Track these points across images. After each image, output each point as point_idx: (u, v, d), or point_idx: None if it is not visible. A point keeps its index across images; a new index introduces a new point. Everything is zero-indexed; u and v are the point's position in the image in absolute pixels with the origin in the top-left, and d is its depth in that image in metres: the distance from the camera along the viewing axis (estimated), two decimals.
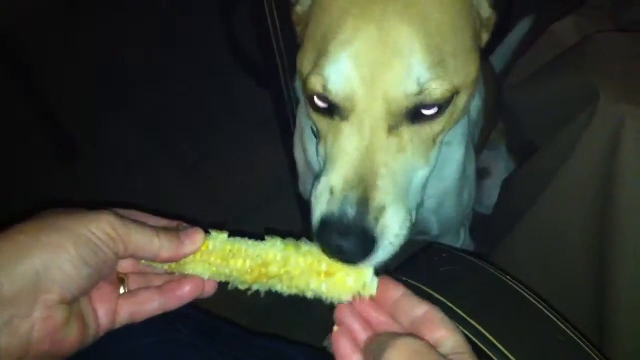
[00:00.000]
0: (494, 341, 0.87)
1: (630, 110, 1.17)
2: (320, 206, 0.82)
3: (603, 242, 1.26)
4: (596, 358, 0.92)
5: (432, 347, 0.68)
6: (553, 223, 1.40)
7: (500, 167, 1.93)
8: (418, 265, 1.14)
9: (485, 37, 0.97)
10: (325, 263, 0.78)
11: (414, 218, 0.86)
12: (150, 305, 0.81)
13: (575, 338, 0.91)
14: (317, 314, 2.02)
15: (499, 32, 2.26)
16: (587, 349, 0.90)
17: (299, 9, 0.98)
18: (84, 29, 2.94)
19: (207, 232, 0.82)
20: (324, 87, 0.82)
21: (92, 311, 0.77)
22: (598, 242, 1.28)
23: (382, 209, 0.80)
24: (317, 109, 0.87)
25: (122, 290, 0.82)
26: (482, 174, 1.95)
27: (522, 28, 2.08)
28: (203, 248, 0.81)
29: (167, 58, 2.85)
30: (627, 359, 1.27)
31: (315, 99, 0.86)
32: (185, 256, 0.80)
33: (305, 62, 0.89)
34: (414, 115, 0.83)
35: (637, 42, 1.37)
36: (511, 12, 2.44)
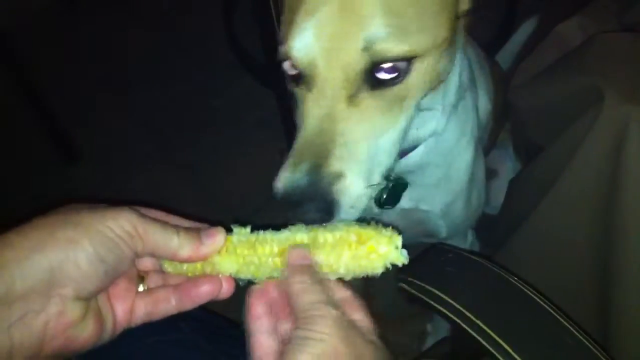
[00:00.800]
0: (500, 341, 0.87)
1: (635, 111, 1.16)
2: (279, 181, 0.83)
3: (607, 244, 1.26)
4: (602, 358, 0.91)
5: (355, 323, 0.72)
6: (557, 224, 1.40)
7: (508, 167, 1.93)
8: (423, 266, 1.14)
9: (464, 4, 0.96)
10: (354, 234, 0.76)
11: (381, 180, 0.88)
12: (166, 304, 0.80)
13: (584, 340, 0.90)
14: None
15: (503, 33, 2.27)
16: (594, 350, 0.89)
17: None
18: (84, 29, 2.94)
19: (229, 230, 0.82)
20: (289, 54, 0.85)
21: (109, 308, 0.76)
22: (602, 244, 1.27)
23: (337, 176, 0.81)
24: (291, 77, 0.90)
25: (141, 288, 0.81)
26: (489, 174, 1.94)
27: (526, 29, 2.09)
28: (227, 244, 0.80)
29: (168, 58, 2.85)
30: (631, 357, 1.27)
31: (287, 65, 0.89)
32: (206, 256, 0.79)
33: (282, 30, 0.91)
34: (373, 80, 0.84)
35: None
36: (515, 12, 2.44)
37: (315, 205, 0.80)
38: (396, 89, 0.86)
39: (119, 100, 2.73)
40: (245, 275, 0.80)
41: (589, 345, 0.91)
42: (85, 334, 0.72)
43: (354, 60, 0.81)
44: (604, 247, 1.28)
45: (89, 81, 2.79)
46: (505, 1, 2.58)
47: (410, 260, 1.22)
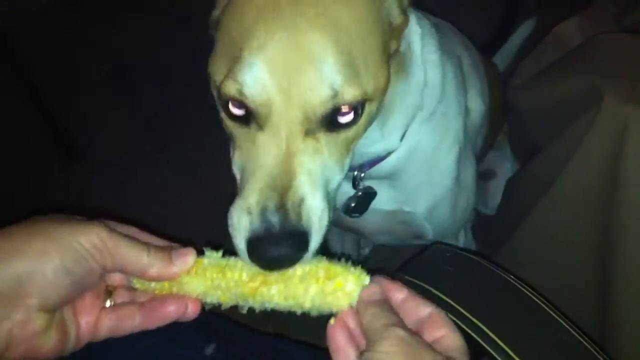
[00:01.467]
0: (498, 340, 0.88)
1: (634, 111, 1.17)
2: (243, 231, 0.80)
3: (606, 244, 1.26)
4: (599, 357, 0.92)
5: (424, 341, 0.70)
6: (556, 224, 1.40)
7: (506, 167, 1.93)
8: (422, 265, 1.14)
9: (394, 44, 0.96)
10: (322, 269, 0.77)
11: (331, 214, 0.86)
12: (130, 322, 0.80)
13: (580, 338, 0.91)
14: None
15: (502, 34, 2.27)
16: (591, 349, 0.90)
17: (215, 12, 0.97)
18: (84, 29, 2.94)
19: (201, 252, 0.82)
20: (240, 92, 0.81)
21: (74, 321, 0.77)
22: (601, 244, 1.28)
23: (300, 201, 0.80)
24: (232, 116, 0.86)
25: (108, 304, 0.81)
26: (487, 175, 1.95)
27: (525, 29, 2.09)
28: (197, 265, 0.79)
29: (168, 57, 2.85)
30: (629, 355, 1.27)
31: (231, 106, 0.85)
32: (175, 275, 0.78)
33: (216, 66, 0.88)
34: (330, 122, 0.84)
35: None
36: (515, 13, 2.44)
37: (291, 242, 0.78)
38: (348, 132, 0.86)
39: (119, 99, 2.73)
40: (211, 298, 0.80)
41: (586, 344, 0.91)
42: (49, 344, 0.72)
43: (319, 105, 0.80)
44: (603, 246, 1.28)
45: (89, 81, 2.79)
46: (504, 1, 2.58)
47: (408, 259, 1.23)
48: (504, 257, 1.56)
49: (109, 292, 0.82)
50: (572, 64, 1.45)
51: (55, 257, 0.69)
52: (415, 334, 0.71)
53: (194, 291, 0.79)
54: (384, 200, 1.21)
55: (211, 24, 0.98)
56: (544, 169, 1.47)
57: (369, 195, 1.16)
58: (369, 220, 1.25)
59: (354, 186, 1.14)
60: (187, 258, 0.79)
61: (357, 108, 0.85)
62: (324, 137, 0.84)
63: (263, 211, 0.79)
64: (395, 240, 1.46)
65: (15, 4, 2.78)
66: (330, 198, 0.86)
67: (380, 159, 1.11)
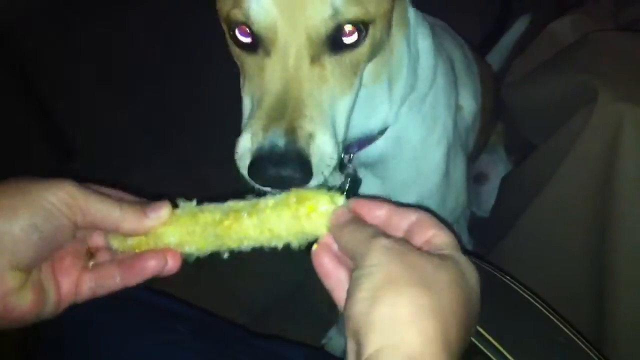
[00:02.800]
0: (493, 341, 0.87)
1: (628, 109, 1.17)
2: (248, 153, 0.81)
3: (602, 242, 1.26)
4: (595, 358, 0.92)
5: (411, 244, 0.68)
6: (551, 222, 1.40)
7: (499, 170, 1.91)
8: None
9: None
10: (294, 197, 0.74)
11: (341, 149, 0.87)
12: (110, 280, 0.78)
13: (575, 339, 0.91)
14: (315, 313, 2.03)
15: (497, 31, 2.27)
16: (587, 349, 0.90)
17: None
18: (84, 29, 2.93)
19: (176, 205, 0.80)
20: (245, 16, 0.83)
21: (53, 282, 0.76)
22: (597, 242, 1.28)
23: (311, 136, 0.81)
24: (240, 45, 0.88)
25: (90, 264, 0.80)
26: (480, 178, 1.94)
27: (519, 26, 2.08)
28: (171, 217, 0.78)
29: (167, 55, 2.85)
30: (626, 356, 1.27)
31: (238, 34, 0.87)
32: (150, 228, 0.77)
33: (223, 0, 0.89)
34: (335, 44, 0.85)
35: (636, 41, 1.37)
36: (509, 10, 2.44)
37: (294, 165, 0.79)
38: (353, 54, 0.88)
39: (118, 97, 2.72)
40: (190, 246, 0.78)
41: (582, 345, 0.91)
42: (24, 304, 0.72)
43: (321, 24, 0.82)
44: (599, 245, 1.28)
45: (88, 79, 2.79)
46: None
47: None
48: (499, 256, 1.56)
49: (91, 254, 0.81)
50: (566, 62, 1.45)
51: (23, 214, 0.68)
52: (400, 240, 0.68)
53: (170, 241, 0.78)
54: (370, 190, 1.20)
55: None
56: (538, 167, 1.47)
57: (356, 182, 1.15)
58: None
59: (341, 169, 1.14)
60: (161, 210, 0.77)
61: (361, 28, 0.86)
62: (329, 62, 0.85)
63: (269, 133, 0.80)
64: None
65: (15, 3, 2.78)
66: (339, 128, 0.87)
67: (369, 139, 1.11)
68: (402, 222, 0.73)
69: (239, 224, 0.75)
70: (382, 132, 1.11)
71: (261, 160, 0.80)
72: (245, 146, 0.82)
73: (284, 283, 1.96)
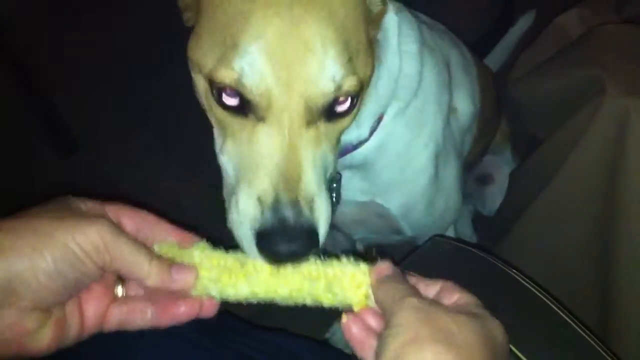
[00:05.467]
0: None
1: (636, 103, 1.17)
2: (251, 221, 0.78)
3: (608, 235, 1.26)
4: (600, 351, 0.91)
5: (439, 304, 0.69)
6: (557, 216, 1.40)
7: (504, 172, 1.89)
8: (419, 257, 1.14)
9: (373, 32, 0.95)
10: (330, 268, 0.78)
11: (334, 204, 0.89)
12: (141, 317, 0.77)
13: (582, 332, 0.90)
14: (318, 307, 2.02)
15: (502, 26, 2.26)
16: (593, 342, 0.90)
17: None
18: (84, 24, 2.93)
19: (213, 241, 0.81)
20: (237, 81, 0.78)
21: (77, 313, 0.74)
22: (603, 235, 1.28)
23: (311, 200, 0.80)
24: (224, 106, 0.83)
25: (119, 293, 0.78)
26: (485, 179, 1.93)
27: (524, 22, 2.08)
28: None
29: (168, 51, 2.84)
30: (631, 349, 1.27)
31: (224, 96, 0.82)
32: (173, 290, 0.76)
33: (203, 53, 0.84)
34: (329, 112, 0.83)
35: None
36: (514, 6, 2.43)
37: (304, 239, 0.77)
38: (343, 121, 0.87)
39: (118, 92, 2.72)
40: (240, 290, 0.79)
41: (588, 337, 0.91)
42: (42, 342, 0.70)
43: (320, 97, 0.80)
44: (605, 238, 1.28)
45: (88, 73, 2.78)
46: None
47: (407, 254, 1.22)
48: (505, 250, 1.56)
49: (122, 280, 0.78)
50: (574, 56, 1.44)
51: (47, 257, 0.66)
52: (430, 300, 0.70)
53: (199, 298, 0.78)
54: (356, 191, 1.20)
55: (182, 6, 0.96)
56: (545, 162, 1.47)
57: (337, 180, 1.15)
58: (342, 211, 1.24)
59: None
60: (188, 277, 0.76)
61: (354, 97, 0.85)
62: (323, 127, 0.84)
63: (276, 204, 0.77)
64: (375, 234, 1.45)
65: (13, 1, 2.78)
66: (328, 189, 0.86)
67: (352, 147, 1.10)
68: (428, 290, 0.75)
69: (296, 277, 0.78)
70: (363, 142, 1.10)
71: (271, 235, 0.77)
72: (248, 213, 0.79)
73: None
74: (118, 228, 0.72)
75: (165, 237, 0.80)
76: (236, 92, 0.80)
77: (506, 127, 1.92)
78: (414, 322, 0.64)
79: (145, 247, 0.75)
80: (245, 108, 0.81)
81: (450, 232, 1.50)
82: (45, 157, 2.51)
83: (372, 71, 0.92)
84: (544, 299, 0.95)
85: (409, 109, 1.14)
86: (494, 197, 1.90)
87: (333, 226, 1.47)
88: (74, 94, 2.66)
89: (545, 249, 1.46)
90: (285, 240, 0.76)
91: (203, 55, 0.83)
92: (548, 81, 1.51)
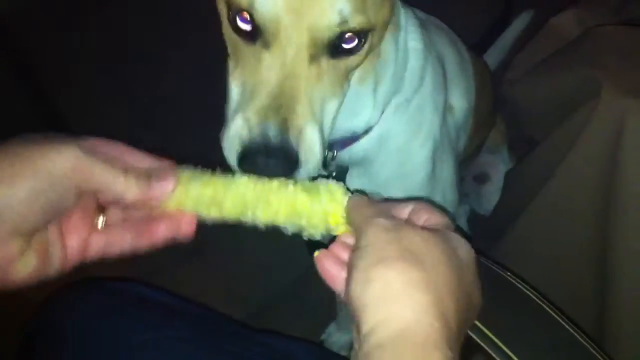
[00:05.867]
0: (493, 337, 0.87)
1: (632, 104, 1.17)
2: (238, 139, 0.82)
3: (605, 237, 1.26)
4: (597, 355, 0.91)
5: (406, 223, 0.69)
6: (554, 217, 1.40)
7: (501, 170, 1.90)
8: None
9: None
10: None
11: (326, 147, 0.89)
12: (121, 241, 0.77)
13: (577, 335, 0.90)
14: (314, 309, 2.02)
15: (499, 26, 2.26)
16: (588, 346, 0.89)
17: None
18: (85, 23, 2.93)
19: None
20: (251, 5, 0.82)
21: (59, 242, 0.74)
22: (600, 236, 1.28)
23: (300, 132, 0.82)
24: (238, 31, 0.87)
25: (100, 222, 0.78)
26: (482, 178, 1.93)
27: (521, 22, 2.08)
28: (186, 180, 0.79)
29: (166, 52, 2.84)
30: (629, 350, 1.27)
31: (238, 20, 0.86)
32: (154, 200, 0.76)
33: None
34: (334, 49, 0.85)
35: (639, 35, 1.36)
36: (512, 5, 2.43)
37: (282, 160, 0.80)
38: (349, 60, 0.88)
39: (118, 93, 2.72)
40: (214, 211, 0.78)
41: (583, 341, 0.91)
42: (26, 269, 0.71)
43: (326, 29, 0.82)
44: (602, 240, 1.28)
45: (88, 74, 2.78)
46: None
47: None
48: (501, 251, 1.56)
49: (101, 209, 0.79)
50: (570, 57, 1.45)
51: (26, 179, 0.67)
52: (398, 219, 0.70)
53: (188, 205, 0.78)
54: (355, 187, 1.21)
55: None
56: (542, 162, 1.47)
57: (342, 171, 1.16)
58: None
59: (325, 167, 1.14)
60: (166, 182, 0.77)
61: (361, 36, 0.86)
62: (326, 64, 0.86)
63: (263, 124, 0.80)
64: None
65: (13, 1, 2.77)
66: (326, 128, 0.88)
67: (353, 138, 1.11)
68: (402, 212, 0.75)
69: (277, 195, 0.78)
70: (366, 132, 1.11)
71: (252, 149, 0.80)
72: (236, 131, 0.83)
73: (282, 278, 1.96)
74: (90, 150, 0.73)
75: (140, 164, 0.79)
76: (250, 18, 0.83)
77: (502, 126, 1.92)
78: (382, 242, 0.65)
79: (119, 164, 0.75)
80: (256, 34, 0.84)
81: None
82: None
83: (388, 16, 0.94)
84: (539, 302, 0.95)
85: (410, 105, 1.15)
86: (491, 195, 1.91)
87: None
88: (74, 95, 2.66)
89: (542, 249, 1.46)
90: (264, 155, 0.79)
91: None
92: (544, 82, 1.51)
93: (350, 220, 0.74)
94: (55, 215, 0.72)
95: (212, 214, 0.78)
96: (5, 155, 0.68)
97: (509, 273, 0.98)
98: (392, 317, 0.59)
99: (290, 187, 0.79)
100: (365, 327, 0.59)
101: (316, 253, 0.75)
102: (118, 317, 1.03)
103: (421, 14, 1.29)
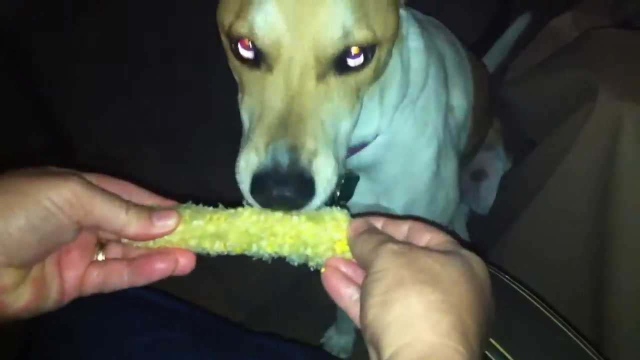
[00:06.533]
0: (492, 341, 0.87)
1: (629, 107, 1.17)
2: (249, 169, 0.79)
3: (602, 239, 1.26)
4: (592, 355, 0.91)
5: (417, 246, 0.69)
6: (552, 220, 1.40)
7: (497, 168, 1.91)
8: None
9: None
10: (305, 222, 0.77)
11: (342, 170, 0.86)
12: (118, 277, 0.76)
13: (575, 338, 0.90)
14: (313, 312, 2.02)
15: (497, 28, 2.26)
16: (586, 349, 0.90)
17: None
18: (84, 25, 2.93)
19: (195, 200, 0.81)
20: (250, 31, 0.81)
21: (57, 276, 0.74)
22: (597, 238, 1.28)
23: (314, 154, 0.79)
24: (241, 59, 0.86)
25: (100, 257, 0.78)
26: (479, 175, 1.94)
27: (519, 24, 2.08)
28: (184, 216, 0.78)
29: (168, 54, 2.84)
30: (625, 350, 1.27)
31: (240, 48, 0.85)
32: (155, 237, 0.76)
33: (225, 11, 0.87)
34: (340, 65, 0.84)
35: (637, 39, 1.37)
36: (510, 8, 2.43)
37: (296, 185, 0.77)
38: (358, 75, 0.87)
39: (118, 94, 2.72)
40: (217, 245, 0.77)
41: (581, 345, 0.91)
42: (20, 301, 0.70)
43: (330, 45, 0.81)
44: (599, 242, 1.28)
45: (88, 75, 2.78)
46: None
47: None
48: (498, 254, 1.56)
49: (101, 245, 0.79)
50: (567, 59, 1.45)
51: (20, 213, 0.66)
52: (406, 243, 0.70)
53: (191, 244, 0.77)
54: (362, 194, 1.20)
55: None
56: (539, 165, 1.47)
57: (353, 179, 1.15)
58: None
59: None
60: (169, 220, 0.76)
61: (367, 51, 0.85)
62: (334, 81, 0.84)
63: (273, 149, 0.78)
64: None
65: (13, 1, 2.77)
66: (340, 149, 0.86)
67: (362, 145, 1.11)
68: (398, 230, 0.75)
69: (281, 226, 0.76)
70: (374, 138, 1.11)
71: (264, 179, 0.78)
72: (246, 164, 0.80)
73: (282, 282, 1.96)
74: (91, 184, 0.72)
75: (144, 202, 0.79)
76: (251, 45, 0.83)
77: (498, 123, 1.92)
78: (396, 265, 0.64)
79: (120, 198, 0.74)
80: (259, 60, 0.83)
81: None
82: (43, 160, 2.50)
83: (395, 30, 0.92)
84: (538, 305, 0.95)
85: (415, 107, 1.15)
86: (488, 192, 1.91)
87: None
88: (74, 96, 2.66)
89: (540, 251, 1.46)
90: (277, 183, 0.76)
91: (226, 15, 0.86)
92: (542, 84, 1.51)
93: (355, 251, 0.73)
94: (52, 249, 0.72)
95: (216, 248, 0.77)
96: (2, 187, 0.68)
97: (507, 276, 0.98)
98: (416, 340, 0.58)
99: (295, 216, 0.77)
100: (387, 352, 0.58)
101: (323, 269, 0.75)
102: (117, 319, 1.03)
103: (420, 15, 1.29)
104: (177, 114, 2.66)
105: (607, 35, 1.40)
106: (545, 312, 0.93)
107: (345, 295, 0.72)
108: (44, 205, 0.67)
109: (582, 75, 1.30)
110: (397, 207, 1.25)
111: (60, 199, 0.68)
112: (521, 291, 0.96)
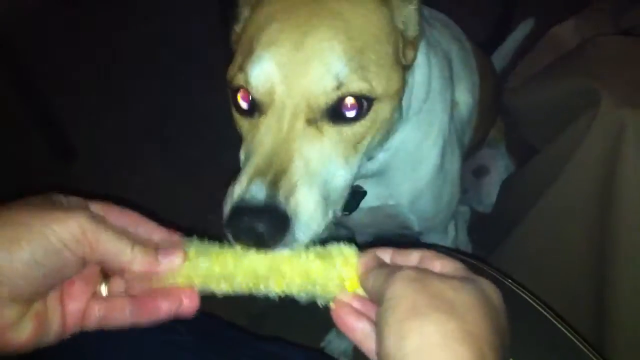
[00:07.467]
0: None
1: (631, 114, 1.17)
2: (231, 200, 0.80)
3: (603, 245, 1.26)
4: (592, 357, 0.91)
5: (430, 271, 0.69)
6: (553, 225, 1.41)
7: (499, 164, 1.92)
8: None
9: (410, 54, 0.98)
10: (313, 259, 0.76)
11: (336, 214, 0.86)
12: (120, 314, 0.75)
13: (575, 340, 0.90)
14: (314, 315, 2.02)
15: (500, 34, 2.27)
16: (587, 351, 0.90)
17: (237, 27, 1.01)
18: (84, 27, 2.94)
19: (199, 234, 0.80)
20: (247, 82, 0.84)
21: (59, 308, 0.73)
22: (599, 244, 1.28)
23: (292, 189, 0.79)
24: (240, 111, 0.89)
25: (103, 291, 0.77)
26: (480, 171, 1.94)
27: (522, 30, 2.08)
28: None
29: (167, 57, 2.84)
30: (627, 351, 1.27)
31: (240, 100, 0.88)
32: (160, 274, 0.75)
33: (233, 67, 0.91)
34: (335, 114, 0.85)
35: (638, 46, 1.37)
36: (512, 13, 2.44)
37: (270, 219, 0.76)
38: (353, 127, 0.87)
39: (118, 98, 2.73)
40: (224, 285, 0.76)
41: (582, 347, 0.91)
42: (22, 336, 0.69)
43: (322, 95, 0.82)
44: (600, 248, 1.28)
45: (88, 79, 2.78)
46: (502, 1, 2.58)
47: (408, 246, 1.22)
48: (500, 258, 1.56)
49: (105, 276, 0.77)
50: (569, 66, 1.45)
51: (25, 247, 0.66)
52: (419, 269, 0.69)
53: (196, 282, 0.76)
54: (370, 198, 1.21)
55: (234, 39, 1.01)
56: (541, 171, 1.48)
57: (359, 194, 1.16)
58: (352, 217, 1.24)
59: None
60: (174, 258, 0.75)
61: (362, 103, 0.85)
62: (328, 129, 0.85)
63: (253, 183, 0.78)
64: (381, 231, 1.46)
65: (13, 2, 2.78)
66: (330, 196, 0.85)
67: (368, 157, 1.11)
68: (406, 262, 0.75)
69: (289, 265, 0.76)
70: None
71: (237, 211, 0.78)
72: (229, 197, 0.81)
73: None
74: (98, 219, 0.71)
75: (150, 235, 0.79)
76: (248, 96, 0.86)
77: (501, 122, 1.93)
78: (410, 291, 0.63)
79: (127, 234, 0.74)
80: (253, 109, 0.86)
81: (450, 232, 1.51)
82: (44, 162, 2.51)
83: (399, 90, 0.93)
84: (539, 308, 0.95)
85: (420, 112, 1.16)
86: (490, 189, 1.92)
87: (341, 226, 1.49)
88: (74, 96, 2.66)
89: (542, 256, 1.47)
90: (248, 216, 0.76)
91: (232, 69, 0.91)
92: (544, 91, 1.52)
93: (367, 286, 0.72)
94: (56, 282, 0.71)
95: (223, 288, 0.76)
96: (8, 220, 0.68)
97: (508, 279, 0.98)
98: None
99: (303, 255, 0.76)
100: None
101: (332, 305, 0.75)
102: None
103: (427, 11, 1.29)
104: (177, 114, 2.67)
105: (609, 43, 1.41)
106: (547, 315, 0.94)
107: (357, 328, 0.72)
108: (49, 240, 0.67)
109: (584, 83, 1.30)
110: (404, 204, 1.26)
111: (66, 234, 0.68)
112: (522, 293, 0.96)
